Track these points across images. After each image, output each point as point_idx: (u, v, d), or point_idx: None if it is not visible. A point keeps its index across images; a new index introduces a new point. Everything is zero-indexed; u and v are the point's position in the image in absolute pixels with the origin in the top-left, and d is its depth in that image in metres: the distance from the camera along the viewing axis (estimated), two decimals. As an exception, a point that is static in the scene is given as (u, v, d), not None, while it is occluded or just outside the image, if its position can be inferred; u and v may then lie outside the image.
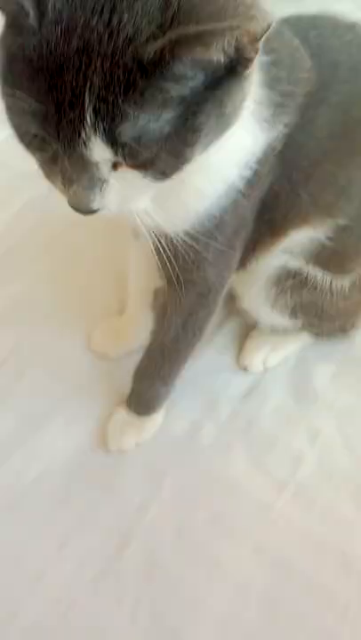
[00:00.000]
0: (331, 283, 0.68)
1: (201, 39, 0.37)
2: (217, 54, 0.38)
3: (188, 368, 0.71)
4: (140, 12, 0.38)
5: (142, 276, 0.75)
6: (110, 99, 0.39)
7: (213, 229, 0.54)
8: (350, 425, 0.74)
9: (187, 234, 0.54)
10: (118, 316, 0.82)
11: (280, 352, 0.79)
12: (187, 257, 0.56)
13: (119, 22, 0.38)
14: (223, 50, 0.38)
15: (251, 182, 0.52)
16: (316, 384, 0.78)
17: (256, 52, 0.39)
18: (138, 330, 0.78)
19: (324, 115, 0.54)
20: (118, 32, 0.38)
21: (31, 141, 0.44)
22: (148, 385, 0.72)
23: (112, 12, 0.39)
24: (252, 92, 0.46)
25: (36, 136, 0.43)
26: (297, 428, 0.74)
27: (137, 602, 0.64)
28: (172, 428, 0.75)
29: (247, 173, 0.52)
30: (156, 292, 0.76)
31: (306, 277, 0.67)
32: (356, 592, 0.64)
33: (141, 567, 0.65)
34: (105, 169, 0.43)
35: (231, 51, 0.38)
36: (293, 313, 0.70)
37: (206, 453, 0.73)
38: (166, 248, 0.55)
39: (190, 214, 0.53)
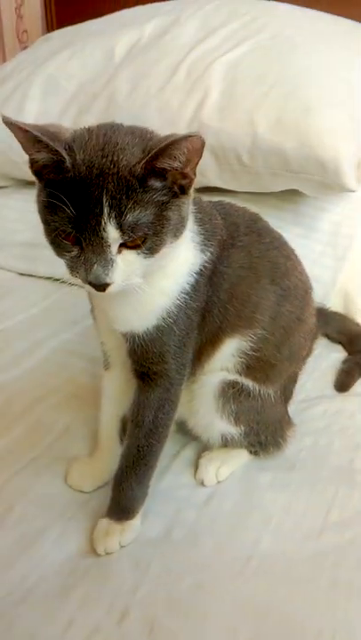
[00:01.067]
0: (260, 391, 0.93)
1: (166, 152, 0.69)
2: (177, 164, 0.70)
3: (153, 487, 0.89)
4: (128, 152, 0.71)
5: (113, 404, 0.96)
6: (119, 200, 0.69)
7: (172, 324, 0.81)
8: (292, 512, 0.92)
9: (153, 328, 0.80)
10: (90, 457, 0.99)
11: (228, 466, 0.97)
12: (155, 350, 0.82)
13: (118, 158, 0.70)
14: (181, 161, 0.70)
15: (194, 287, 0.82)
16: (260, 488, 0.96)
17: (194, 175, 0.73)
18: (109, 464, 0.95)
19: (234, 253, 0.87)
20: (119, 163, 0.69)
21: (63, 245, 0.72)
22: (126, 487, 0.87)
23: (113, 154, 0.70)
24: (190, 223, 0.79)
25: (65, 238, 0.71)
26: (251, 517, 0.90)
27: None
28: (148, 531, 0.88)
29: (192, 280, 0.82)
30: (124, 421, 0.97)
31: (242, 386, 0.92)
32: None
33: (141, 627, 0.74)
34: (114, 250, 0.71)
35: (180, 177, 0.72)
36: (237, 419, 0.92)
37: (181, 544, 0.86)
38: (140, 346, 0.81)
39: (156, 310, 0.80)
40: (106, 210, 0.69)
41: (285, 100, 1.22)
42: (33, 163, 0.73)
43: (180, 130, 1.31)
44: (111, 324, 0.85)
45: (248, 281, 0.89)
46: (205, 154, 1.29)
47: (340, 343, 1.27)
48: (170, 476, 0.97)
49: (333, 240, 1.35)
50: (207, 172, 1.34)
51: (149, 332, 0.81)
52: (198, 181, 1.35)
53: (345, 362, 1.21)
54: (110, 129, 0.75)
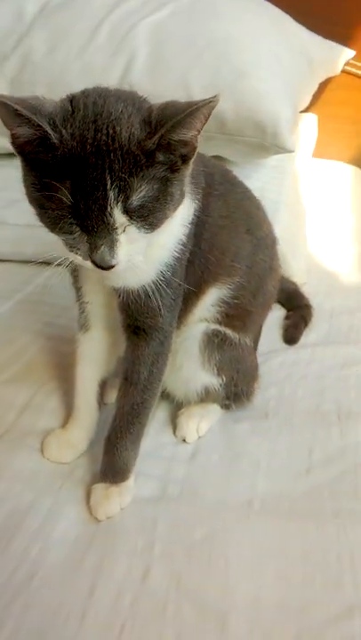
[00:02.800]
0: (240, 340, 0.95)
1: (186, 121, 0.65)
2: (193, 132, 0.67)
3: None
4: (126, 123, 0.65)
5: (92, 368, 0.92)
6: (125, 180, 0.64)
7: (170, 277, 0.79)
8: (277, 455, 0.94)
9: (151, 282, 0.78)
10: (65, 427, 0.95)
11: (207, 421, 0.97)
12: (150, 304, 0.79)
13: (116, 131, 0.64)
14: (197, 129, 0.67)
15: (188, 237, 0.81)
16: (241, 437, 0.97)
17: (197, 144, 0.69)
18: (88, 431, 0.93)
19: (213, 202, 0.86)
20: (119, 137, 0.64)
21: (62, 227, 0.66)
22: (121, 448, 0.84)
23: (109, 126, 0.64)
24: None
25: (65, 223, 0.66)
26: (240, 464, 0.92)
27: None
28: (142, 491, 0.86)
29: (186, 230, 0.80)
30: (103, 384, 0.94)
31: (225, 335, 0.93)
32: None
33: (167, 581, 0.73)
34: (120, 231, 0.67)
35: (183, 146, 0.67)
36: (220, 368, 0.93)
37: (180, 499, 0.85)
38: (134, 301, 0.79)
39: (156, 265, 0.78)
40: (111, 194, 0.64)
41: (218, 63, 1.23)
42: (14, 138, 0.66)
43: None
44: (103, 281, 0.81)
45: (227, 230, 0.89)
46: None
47: (278, 302, 1.32)
48: (149, 438, 0.94)
49: (260, 205, 1.40)
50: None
51: (146, 286, 0.79)
52: None
53: (288, 317, 1.26)
54: (98, 96, 0.68)
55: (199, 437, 0.96)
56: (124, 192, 0.64)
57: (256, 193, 1.39)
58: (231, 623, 0.68)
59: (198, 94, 1.22)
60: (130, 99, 0.70)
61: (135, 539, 0.78)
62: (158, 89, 1.25)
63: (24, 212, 1.43)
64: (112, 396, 0.95)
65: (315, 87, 1.63)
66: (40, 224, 0.71)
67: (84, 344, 0.92)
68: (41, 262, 1.44)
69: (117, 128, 0.65)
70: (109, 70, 1.29)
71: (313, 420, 0.99)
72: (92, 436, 0.93)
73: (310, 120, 1.74)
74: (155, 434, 0.97)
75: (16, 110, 0.63)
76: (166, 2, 1.36)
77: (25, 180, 0.70)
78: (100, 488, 0.84)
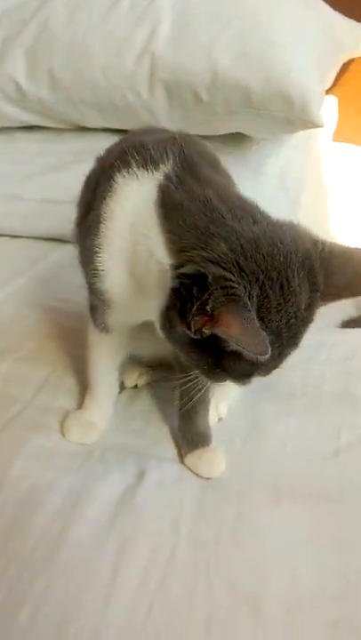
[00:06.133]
0: None
1: None
2: None
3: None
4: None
5: (112, 359, 0.89)
6: None
7: None
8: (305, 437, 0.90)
9: None
10: (85, 409, 0.91)
11: (225, 401, 0.93)
12: None
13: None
14: None
15: None
16: (266, 419, 0.93)
17: None
18: (109, 412, 0.90)
19: None
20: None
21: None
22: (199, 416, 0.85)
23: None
24: None
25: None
26: (267, 445, 0.88)
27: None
28: (167, 472, 0.83)
29: None
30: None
31: None
32: None
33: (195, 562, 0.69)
34: None
35: None
36: None
37: (204, 481, 0.82)
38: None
39: None
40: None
41: (247, 33, 1.18)
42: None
43: (129, 61, 1.24)
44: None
45: None
46: (158, 90, 1.25)
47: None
48: (171, 422, 0.92)
49: (283, 183, 1.35)
50: (157, 110, 1.28)
51: None
52: (143, 121, 1.33)
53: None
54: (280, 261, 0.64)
55: (220, 419, 0.93)
56: None
57: (278, 171, 1.37)
58: (265, 606, 0.64)
59: (225, 65, 1.18)
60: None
61: (160, 519, 0.75)
62: (182, 59, 1.22)
63: (40, 187, 1.41)
64: (132, 380, 0.94)
65: (338, 67, 1.58)
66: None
67: (105, 340, 0.87)
68: (55, 239, 1.42)
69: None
70: (131, 40, 1.25)
71: (341, 402, 0.95)
72: (111, 417, 0.90)
73: (331, 102, 1.69)
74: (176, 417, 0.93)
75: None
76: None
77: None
78: (195, 455, 0.83)
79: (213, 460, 0.83)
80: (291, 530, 0.73)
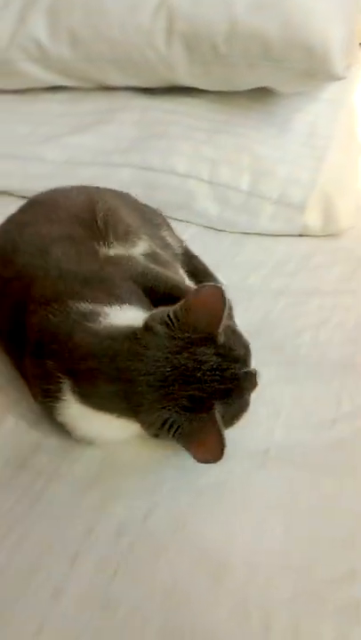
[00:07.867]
0: None
1: None
2: None
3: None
4: None
5: None
6: None
7: None
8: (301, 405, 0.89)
9: None
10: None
11: None
12: None
13: None
14: None
15: None
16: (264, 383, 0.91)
17: None
18: None
19: None
20: None
21: None
22: None
23: None
24: None
25: None
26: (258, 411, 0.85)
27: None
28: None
29: None
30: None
31: None
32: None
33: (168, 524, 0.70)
34: None
35: None
36: None
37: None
38: None
39: None
40: None
41: (265, -25, 1.12)
42: None
43: (145, 15, 1.21)
44: None
45: None
46: (176, 44, 1.21)
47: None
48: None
49: (310, 141, 1.29)
50: (177, 65, 1.24)
51: None
52: (164, 78, 1.29)
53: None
54: None
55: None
56: None
57: (306, 127, 1.30)
58: (227, 574, 0.64)
59: (242, 13, 1.13)
60: None
61: (141, 479, 0.76)
62: (199, 10, 1.17)
63: (63, 148, 1.40)
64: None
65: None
66: None
67: None
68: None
69: None
70: (148, -9, 1.21)
71: (345, 370, 0.92)
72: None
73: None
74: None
75: None
76: None
77: None
78: None
79: None
80: (267, 497, 0.73)
